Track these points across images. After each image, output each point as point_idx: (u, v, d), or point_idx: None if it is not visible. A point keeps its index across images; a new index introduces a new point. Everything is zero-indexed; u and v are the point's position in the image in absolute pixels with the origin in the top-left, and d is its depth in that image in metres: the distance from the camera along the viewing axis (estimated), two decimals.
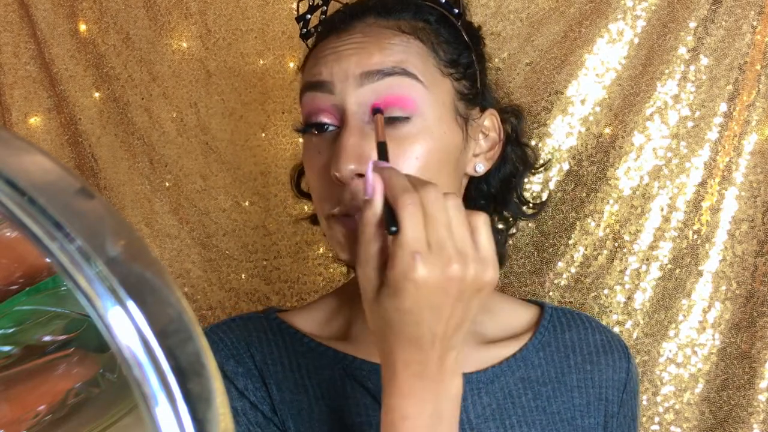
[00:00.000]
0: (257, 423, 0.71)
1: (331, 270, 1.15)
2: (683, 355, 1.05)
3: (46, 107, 1.19)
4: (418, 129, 0.67)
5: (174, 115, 1.17)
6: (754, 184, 1.03)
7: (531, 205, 0.91)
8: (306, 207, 1.12)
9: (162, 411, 0.26)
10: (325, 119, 0.69)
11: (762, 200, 1.03)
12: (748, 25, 1.03)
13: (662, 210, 1.05)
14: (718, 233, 1.04)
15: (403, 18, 0.72)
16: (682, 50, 1.04)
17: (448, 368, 0.56)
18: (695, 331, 1.04)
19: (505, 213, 0.87)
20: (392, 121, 0.67)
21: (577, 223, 1.07)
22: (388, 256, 0.54)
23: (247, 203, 1.16)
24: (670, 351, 1.05)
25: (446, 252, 0.53)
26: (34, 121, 1.19)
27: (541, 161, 1.05)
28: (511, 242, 1.07)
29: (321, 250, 1.15)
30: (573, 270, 1.08)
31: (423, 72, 0.69)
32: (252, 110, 1.16)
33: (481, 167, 0.76)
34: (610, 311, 1.07)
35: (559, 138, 1.07)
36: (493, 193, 0.84)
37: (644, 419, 1.05)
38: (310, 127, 0.71)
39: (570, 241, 1.07)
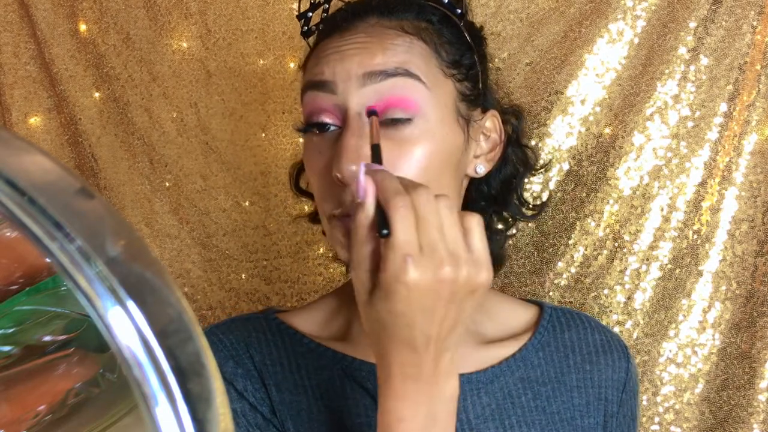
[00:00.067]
0: (256, 424, 0.71)
1: (331, 270, 1.15)
2: (683, 355, 1.05)
3: (46, 107, 1.19)
4: (420, 131, 0.67)
5: (174, 115, 1.17)
6: (754, 184, 1.03)
7: (531, 206, 0.91)
8: (306, 207, 1.12)
9: (162, 411, 0.26)
10: (327, 119, 0.69)
11: (762, 200, 1.03)
12: (748, 25, 1.03)
13: (662, 210, 1.05)
14: (718, 233, 1.04)
15: (405, 18, 0.72)
16: (682, 50, 1.04)
17: (443, 370, 0.56)
18: (695, 331, 1.04)
19: (505, 214, 0.87)
20: (394, 122, 0.67)
21: (577, 223, 1.07)
22: (381, 258, 0.54)
23: (247, 203, 1.16)
24: (670, 351, 1.05)
25: (438, 254, 0.53)
26: (34, 121, 1.19)
27: (542, 162, 1.05)
28: (511, 242, 1.07)
29: (321, 250, 1.15)
30: (573, 270, 1.08)
31: (426, 73, 0.68)
32: (252, 110, 1.16)
33: (481, 169, 0.75)
34: (610, 311, 1.07)
35: (559, 138, 1.07)
36: (494, 195, 0.84)
37: (644, 419, 1.05)
38: (311, 126, 0.71)
39: (570, 241, 1.07)
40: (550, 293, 1.08)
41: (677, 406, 1.05)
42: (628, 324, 1.06)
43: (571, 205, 1.08)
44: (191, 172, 1.17)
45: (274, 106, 1.15)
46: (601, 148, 1.07)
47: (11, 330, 0.37)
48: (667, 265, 1.05)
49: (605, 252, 1.07)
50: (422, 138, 0.67)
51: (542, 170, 1.06)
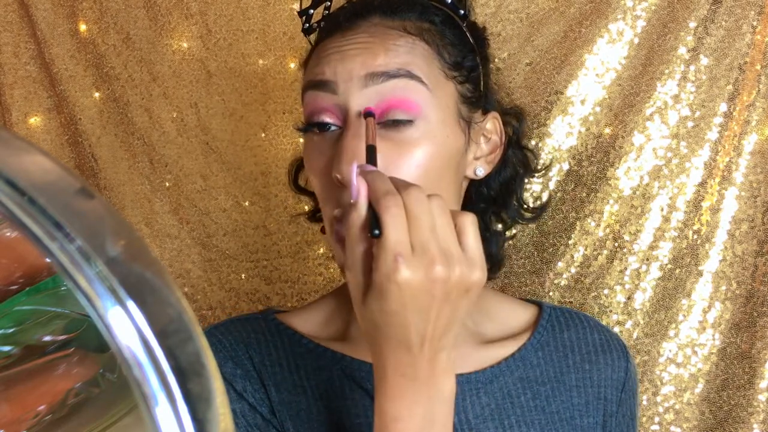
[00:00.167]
0: (256, 425, 0.71)
1: (332, 270, 1.15)
2: (683, 355, 1.05)
3: (46, 107, 1.19)
4: (420, 133, 0.67)
5: (174, 115, 1.17)
6: (754, 184, 1.03)
7: (530, 209, 0.91)
8: (306, 207, 1.12)
9: (162, 411, 0.26)
10: (327, 119, 0.69)
11: (762, 200, 1.03)
12: (748, 25, 1.02)
13: (662, 210, 1.05)
14: (718, 233, 1.04)
15: (408, 18, 0.71)
16: (682, 50, 1.04)
17: (440, 370, 0.56)
18: (695, 331, 1.04)
19: (504, 216, 0.87)
20: (395, 124, 0.67)
21: (577, 223, 1.07)
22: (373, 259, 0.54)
23: (247, 203, 1.16)
24: (670, 351, 1.05)
25: (429, 253, 0.53)
26: (34, 121, 1.19)
27: (542, 165, 1.05)
28: (511, 242, 1.07)
29: (321, 250, 1.15)
30: (573, 270, 1.08)
31: (428, 75, 0.68)
32: (252, 110, 1.16)
33: (481, 171, 0.75)
34: (610, 311, 1.07)
35: (559, 138, 1.07)
36: (493, 196, 0.84)
37: (644, 419, 1.05)
38: (311, 126, 0.70)
39: (570, 241, 1.07)
40: (550, 293, 1.08)
41: (677, 406, 1.05)
42: (628, 324, 1.06)
43: (571, 205, 1.08)
44: (191, 172, 1.17)
45: (274, 106, 1.15)
46: (601, 148, 1.07)
47: (11, 330, 0.37)
48: (667, 265, 1.05)
49: (605, 252, 1.07)
50: (423, 140, 0.67)
51: (543, 172, 1.06)
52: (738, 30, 1.03)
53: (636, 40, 1.05)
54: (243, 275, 1.16)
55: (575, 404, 0.77)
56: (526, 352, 0.78)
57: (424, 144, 0.67)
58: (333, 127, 0.69)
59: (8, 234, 0.33)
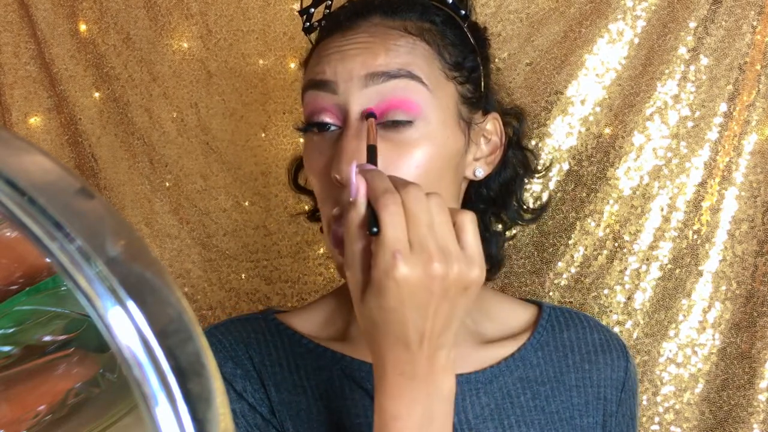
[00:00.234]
0: (256, 425, 0.71)
1: (332, 270, 1.15)
2: (683, 355, 1.05)
3: (46, 107, 1.19)
4: (420, 133, 0.67)
5: (174, 115, 1.17)
6: (754, 184, 1.03)
7: (530, 210, 0.91)
8: (307, 207, 1.12)
9: (162, 411, 0.26)
10: (327, 119, 0.69)
11: (762, 200, 1.03)
12: (748, 25, 1.02)
13: (662, 210, 1.05)
14: (718, 233, 1.04)
15: (409, 18, 0.71)
16: (682, 50, 1.04)
17: (439, 367, 0.56)
18: (695, 331, 1.04)
19: (504, 217, 0.87)
20: (395, 124, 0.67)
21: (577, 223, 1.07)
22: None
23: (247, 203, 1.16)
24: (670, 351, 1.05)
25: (428, 250, 0.53)
26: (34, 121, 1.19)
27: (542, 165, 1.05)
28: (511, 242, 1.07)
29: (321, 251, 1.15)
30: (573, 270, 1.08)
31: (428, 75, 0.68)
32: (253, 111, 1.16)
33: (480, 172, 0.75)
34: (610, 311, 1.07)
35: (559, 138, 1.07)
36: (493, 197, 0.84)
37: (644, 419, 1.05)
38: (311, 126, 0.70)
39: (570, 241, 1.07)
40: (550, 293, 1.08)
41: (677, 406, 1.05)
42: (628, 324, 1.06)
43: (571, 205, 1.08)
44: (191, 172, 1.17)
45: (274, 106, 1.15)
46: (601, 148, 1.07)
47: (11, 330, 0.37)
48: (667, 265, 1.05)
49: (605, 252, 1.07)
50: (422, 141, 0.67)
51: (543, 173, 1.05)
52: (738, 30, 1.03)
53: (636, 40, 1.05)
54: (243, 275, 1.16)
55: (575, 404, 0.77)
56: (526, 352, 0.78)
57: (424, 145, 0.67)
58: (333, 127, 0.69)
59: (8, 234, 0.33)
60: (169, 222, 1.17)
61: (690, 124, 1.05)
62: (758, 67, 1.02)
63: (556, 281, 1.08)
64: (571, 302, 1.08)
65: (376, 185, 0.55)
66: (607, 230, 1.07)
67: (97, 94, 1.18)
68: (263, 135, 1.16)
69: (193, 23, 1.16)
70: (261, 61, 1.15)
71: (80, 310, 0.35)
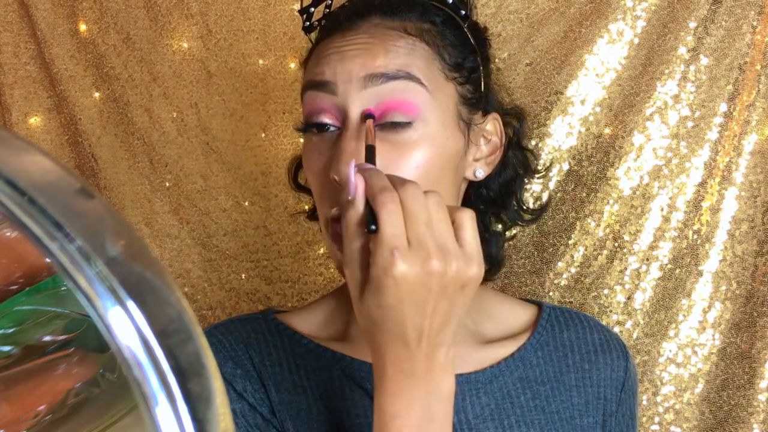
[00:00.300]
0: (256, 425, 0.71)
1: (332, 270, 1.15)
2: (683, 355, 1.05)
3: (46, 107, 1.19)
4: (419, 135, 0.67)
5: (174, 115, 1.17)
6: (754, 184, 1.03)
7: (530, 210, 0.91)
8: (306, 206, 1.12)
9: (162, 411, 0.26)
10: (326, 119, 0.69)
11: (762, 200, 1.03)
12: (748, 25, 1.02)
13: (662, 210, 1.05)
14: (718, 233, 1.04)
15: (409, 19, 0.71)
16: (682, 50, 1.04)
17: (438, 366, 0.56)
18: (695, 331, 1.04)
19: (504, 217, 0.87)
20: (394, 126, 0.67)
21: (577, 223, 1.07)
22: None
23: (247, 203, 1.16)
24: (670, 351, 1.05)
25: (426, 248, 0.53)
26: (34, 121, 1.19)
27: (542, 165, 1.05)
28: (511, 242, 1.07)
29: (321, 251, 1.15)
30: (573, 270, 1.08)
31: (427, 76, 0.68)
32: (253, 111, 1.16)
33: (480, 172, 0.75)
34: (610, 311, 1.07)
35: (559, 138, 1.07)
36: (493, 198, 0.84)
37: (644, 419, 1.05)
38: (310, 126, 0.70)
39: (570, 241, 1.07)
40: (550, 293, 1.08)
41: (677, 406, 1.05)
42: (628, 324, 1.06)
43: (571, 205, 1.08)
44: (191, 172, 1.17)
45: (274, 106, 1.15)
46: (601, 148, 1.07)
47: (11, 330, 0.37)
48: (667, 265, 1.05)
49: (605, 252, 1.07)
50: (422, 142, 0.67)
51: (543, 173, 1.05)
52: (738, 30, 1.03)
53: (636, 40, 1.05)
54: (243, 275, 1.16)
55: (575, 404, 0.77)
56: (526, 352, 0.78)
57: (423, 146, 0.67)
58: (332, 128, 0.69)
59: (8, 234, 0.33)
60: (169, 222, 1.17)
61: (690, 124, 1.05)
62: (758, 67, 1.02)
63: (556, 281, 1.08)
64: (571, 302, 1.08)
65: (374, 183, 0.55)
66: (607, 230, 1.07)
67: (97, 94, 1.18)
68: (263, 135, 1.16)
69: (193, 23, 1.16)
70: (261, 61, 1.15)
71: (80, 310, 0.35)
